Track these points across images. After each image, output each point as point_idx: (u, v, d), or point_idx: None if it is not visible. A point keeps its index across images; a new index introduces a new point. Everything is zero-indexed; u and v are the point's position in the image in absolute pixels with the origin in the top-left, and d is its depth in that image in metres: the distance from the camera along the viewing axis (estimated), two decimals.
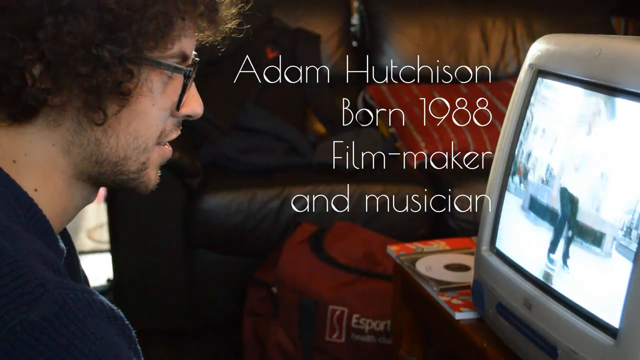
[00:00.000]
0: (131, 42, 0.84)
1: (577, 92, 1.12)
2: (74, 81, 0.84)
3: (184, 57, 0.92)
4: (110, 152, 0.90)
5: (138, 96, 0.88)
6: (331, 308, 2.19)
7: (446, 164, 2.80)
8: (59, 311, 0.75)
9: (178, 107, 0.93)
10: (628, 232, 0.95)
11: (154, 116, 0.91)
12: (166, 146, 0.96)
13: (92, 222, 3.83)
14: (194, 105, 0.96)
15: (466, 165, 2.77)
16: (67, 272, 0.85)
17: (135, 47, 0.85)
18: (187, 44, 0.92)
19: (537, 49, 1.25)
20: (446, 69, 3.26)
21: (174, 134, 0.95)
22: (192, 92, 0.95)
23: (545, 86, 1.21)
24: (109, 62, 0.83)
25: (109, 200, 2.65)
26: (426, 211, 2.61)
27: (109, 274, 2.96)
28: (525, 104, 1.26)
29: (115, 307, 0.81)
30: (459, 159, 2.84)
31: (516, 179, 1.26)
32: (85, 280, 1.10)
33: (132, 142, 0.90)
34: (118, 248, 2.63)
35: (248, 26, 1.00)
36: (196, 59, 0.96)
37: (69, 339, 0.74)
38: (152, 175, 0.96)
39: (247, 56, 2.88)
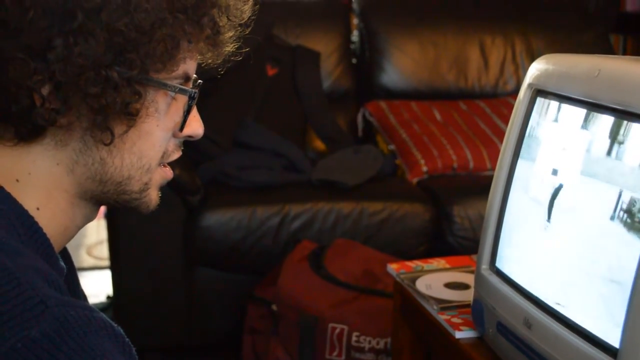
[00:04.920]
0: (139, 64, 0.85)
1: (576, 113, 1.13)
2: (83, 101, 0.84)
3: (187, 79, 0.93)
4: (114, 171, 0.91)
5: (144, 117, 0.89)
6: (331, 326, 2.18)
7: (446, 181, 2.81)
8: (59, 328, 0.75)
9: (182, 127, 0.94)
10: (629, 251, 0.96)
11: (158, 137, 0.92)
12: (167, 168, 0.97)
13: (93, 238, 3.83)
14: (195, 125, 0.97)
15: (466, 182, 2.78)
16: (67, 290, 0.85)
17: (143, 68, 0.86)
18: (190, 66, 0.93)
19: (536, 68, 1.25)
20: (445, 86, 3.28)
21: (176, 155, 0.96)
22: (194, 112, 0.97)
23: (545, 106, 1.22)
24: (117, 83, 0.84)
25: (109, 217, 2.65)
26: (426, 228, 2.61)
27: (109, 290, 2.96)
28: (525, 123, 1.26)
29: (116, 325, 0.81)
30: (458, 176, 2.85)
31: (516, 197, 1.26)
32: (84, 299, 1.10)
33: (136, 162, 0.91)
34: (118, 265, 2.63)
35: (247, 49, 1.01)
36: (199, 80, 0.97)
37: (70, 356, 0.74)
38: (154, 196, 0.97)
39: (247, 73, 2.90)
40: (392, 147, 2.98)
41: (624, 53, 3.85)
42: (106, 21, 0.83)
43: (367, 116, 3.16)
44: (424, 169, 2.84)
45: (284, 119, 3.00)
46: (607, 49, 3.46)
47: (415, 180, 2.83)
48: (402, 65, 3.28)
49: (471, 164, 2.87)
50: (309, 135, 3.11)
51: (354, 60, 3.38)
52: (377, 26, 3.31)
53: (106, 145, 0.88)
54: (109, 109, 0.85)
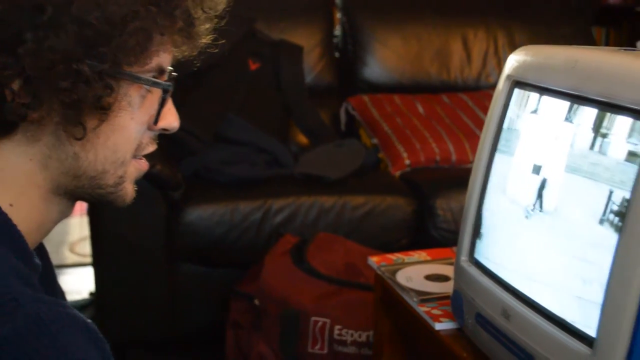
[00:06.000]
0: (111, 57, 0.85)
1: (554, 103, 1.13)
2: (54, 96, 0.84)
3: (161, 72, 0.92)
4: (88, 166, 0.90)
5: (117, 110, 0.88)
6: (313, 319, 2.18)
7: (428, 174, 2.81)
8: (31, 325, 0.75)
9: (156, 121, 0.94)
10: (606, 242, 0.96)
11: (133, 130, 0.91)
12: (142, 160, 0.96)
13: (75, 235, 3.81)
14: (170, 119, 0.96)
15: (448, 175, 2.78)
16: (42, 287, 0.85)
17: (115, 62, 0.85)
18: (164, 59, 0.92)
19: (515, 59, 1.26)
20: (428, 79, 3.28)
21: (151, 148, 0.96)
22: (169, 106, 0.96)
23: (524, 97, 1.22)
24: (88, 76, 0.84)
25: (91, 213, 2.63)
26: (408, 221, 2.62)
27: (92, 287, 2.95)
28: (503, 115, 1.26)
29: (90, 321, 0.80)
30: (441, 169, 2.86)
31: (494, 189, 1.26)
32: (62, 295, 1.09)
33: (111, 156, 0.90)
34: (100, 261, 2.62)
35: (223, 41, 1.00)
36: (173, 73, 0.96)
37: (42, 353, 0.74)
38: (129, 189, 0.96)
39: (229, 68, 2.89)
40: (374, 140, 2.98)
41: (607, 45, 3.86)
42: (76, 14, 0.82)
43: (349, 110, 3.16)
44: (407, 162, 2.84)
45: (267, 114, 3.00)
46: (589, 42, 3.47)
47: (398, 173, 2.83)
48: (385, 58, 3.28)
49: (454, 157, 2.87)
50: (292, 130, 3.10)
51: (336, 54, 3.37)
52: (360, 20, 3.30)
53: (78, 140, 0.87)
54: (81, 103, 0.84)
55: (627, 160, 0.95)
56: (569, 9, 3.52)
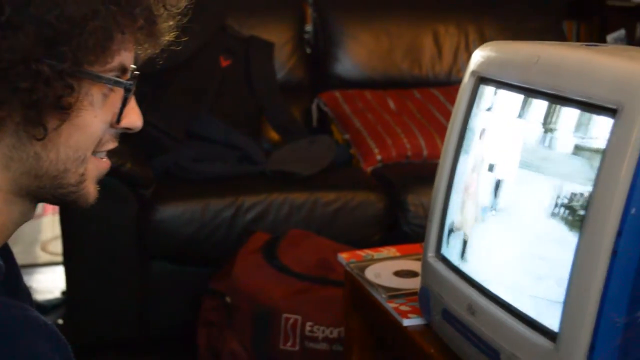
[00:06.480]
0: (71, 57, 0.84)
1: (516, 99, 1.13)
2: (14, 96, 0.83)
3: (123, 70, 0.92)
4: (50, 166, 0.89)
5: (79, 110, 0.87)
6: (285, 316, 2.18)
7: (400, 169, 2.82)
8: None
9: (118, 120, 0.93)
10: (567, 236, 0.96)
11: (95, 129, 0.90)
12: (104, 159, 0.95)
13: (48, 234, 3.78)
14: (133, 118, 0.95)
15: (420, 170, 2.79)
16: (4, 289, 0.84)
17: (75, 61, 0.84)
18: (126, 57, 0.91)
19: (480, 55, 1.27)
20: (399, 74, 3.29)
21: (111, 145, 0.95)
22: (132, 105, 0.95)
23: (487, 93, 1.22)
24: (49, 76, 0.83)
25: (62, 212, 2.62)
26: (380, 217, 2.62)
27: (64, 286, 2.93)
28: (468, 111, 1.27)
29: (50, 323, 0.80)
30: (412, 164, 2.87)
31: (460, 185, 1.26)
32: (28, 296, 1.08)
33: (72, 155, 0.90)
34: (71, 260, 2.61)
35: (186, 38, 1.00)
36: (135, 72, 0.95)
37: (1, 356, 0.73)
38: (91, 189, 0.95)
39: (200, 65, 2.88)
40: (346, 136, 2.98)
41: (578, 39, 3.89)
42: (35, 14, 0.81)
43: (321, 106, 3.16)
44: (378, 157, 2.85)
45: (238, 111, 2.99)
46: (559, 36, 3.48)
47: (369, 169, 2.84)
48: (356, 54, 3.28)
49: (425, 152, 2.88)
50: (264, 127, 3.10)
51: (308, 50, 3.37)
52: (331, 15, 3.30)
53: (39, 140, 0.86)
54: (41, 104, 0.83)
55: (574, 153, 0.96)
56: (540, 3, 3.53)
